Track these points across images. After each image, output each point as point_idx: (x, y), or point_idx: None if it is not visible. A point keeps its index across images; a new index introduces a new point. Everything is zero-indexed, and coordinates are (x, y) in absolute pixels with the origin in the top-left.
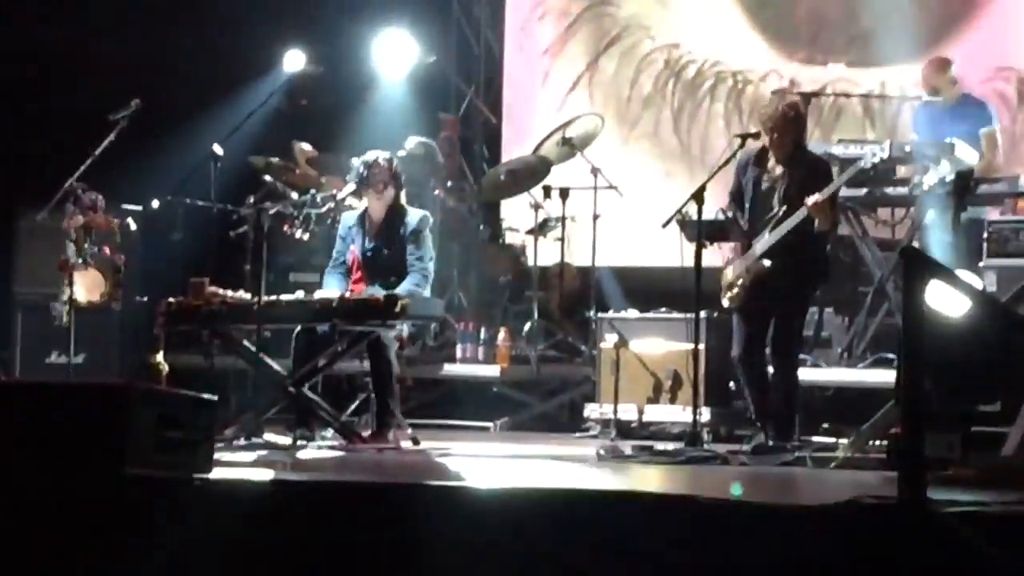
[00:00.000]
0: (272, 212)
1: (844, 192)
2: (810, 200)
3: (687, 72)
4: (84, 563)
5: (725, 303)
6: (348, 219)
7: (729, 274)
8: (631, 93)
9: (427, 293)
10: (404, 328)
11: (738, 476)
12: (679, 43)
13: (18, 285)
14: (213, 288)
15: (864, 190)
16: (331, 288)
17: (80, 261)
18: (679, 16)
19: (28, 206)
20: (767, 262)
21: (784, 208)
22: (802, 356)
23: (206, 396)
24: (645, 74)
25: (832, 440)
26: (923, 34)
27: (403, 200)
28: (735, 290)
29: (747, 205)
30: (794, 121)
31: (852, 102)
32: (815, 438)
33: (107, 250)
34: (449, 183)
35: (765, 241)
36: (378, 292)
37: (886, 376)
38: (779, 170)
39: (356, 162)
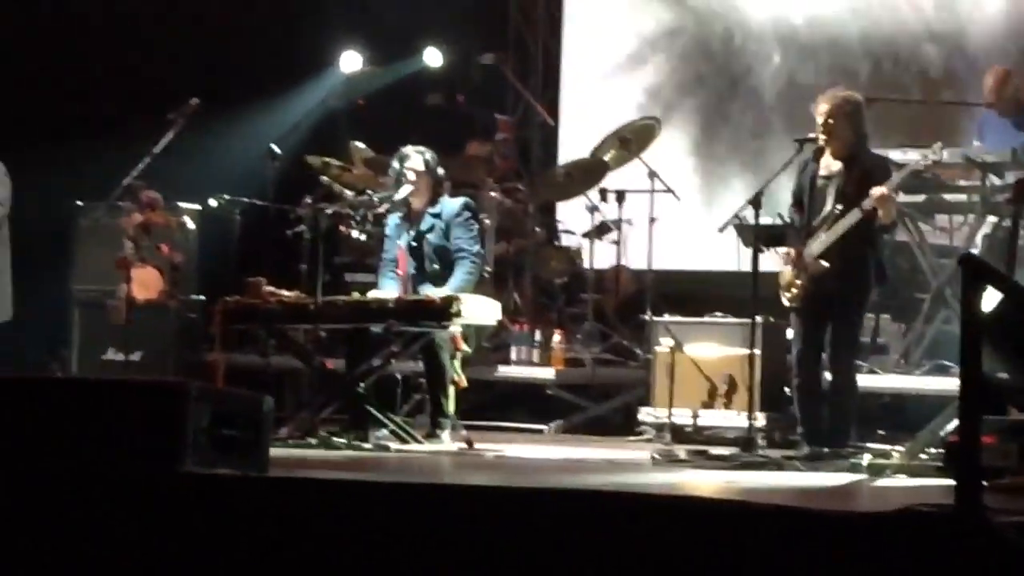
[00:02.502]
0: (329, 212)
1: (902, 198)
2: (876, 191)
3: (749, 79)
4: (138, 560)
5: (785, 302)
6: (393, 217)
7: (787, 274)
8: (692, 100)
9: (474, 277)
10: (458, 329)
11: (792, 482)
12: (743, 49)
13: (76, 282)
14: (270, 287)
15: (923, 196)
16: (387, 289)
17: (138, 259)
18: (742, 19)
19: (87, 204)
20: (824, 263)
21: (841, 207)
22: (858, 363)
23: (261, 395)
24: (707, 81)
25: (888, 447)
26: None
27: (445, 192)
28: (794, 290)
29: (806, 203)
30: (851, 115)
31: (906, 109)
32: (870, 445)
33: (165, 248)
34: (505, 185)
35: (822, 241)
36: (427, 289)
37: (943, 383)
38: (836, 167)
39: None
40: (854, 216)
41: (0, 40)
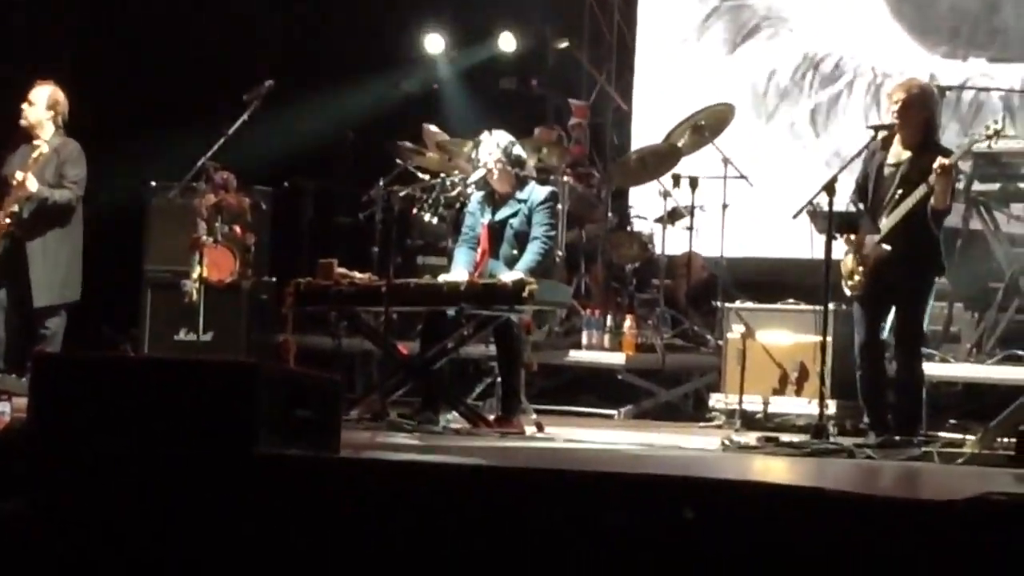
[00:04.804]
0: (402, 195)
1: (977, 187)
2: (938, 162)
3: (825, 65)
4: (211, 541)
5: (847, 292)
6: (477, 195)
7: (848, 262)
8: (768, 85)
9: (542, 259)
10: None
11: (864, 469)
12: (817, 35)
13: (148, 263)
14: (342, 269)
15: (997, 185)
16: (460, 262)
17: (211, 240)
18: (818, 8)
19: (160, 184)
20: (887, 247)
21: (901, 192)
22: (930, 351)
23: (333, 376)
24: (782, 66)
25: (959, 436)
26: None
27: (528, 174)
28: (856, 278)
29: (870, 190)
30: (923, 103)
31: (992, 98)
32: (942, 433)
33: (237, 229)
34: (578, 169)
35: (884, 224)
36: (499, 269)
37: (1015, 373)
38: (905, 155)
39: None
40: (919, 192)
41: (75, 23)
